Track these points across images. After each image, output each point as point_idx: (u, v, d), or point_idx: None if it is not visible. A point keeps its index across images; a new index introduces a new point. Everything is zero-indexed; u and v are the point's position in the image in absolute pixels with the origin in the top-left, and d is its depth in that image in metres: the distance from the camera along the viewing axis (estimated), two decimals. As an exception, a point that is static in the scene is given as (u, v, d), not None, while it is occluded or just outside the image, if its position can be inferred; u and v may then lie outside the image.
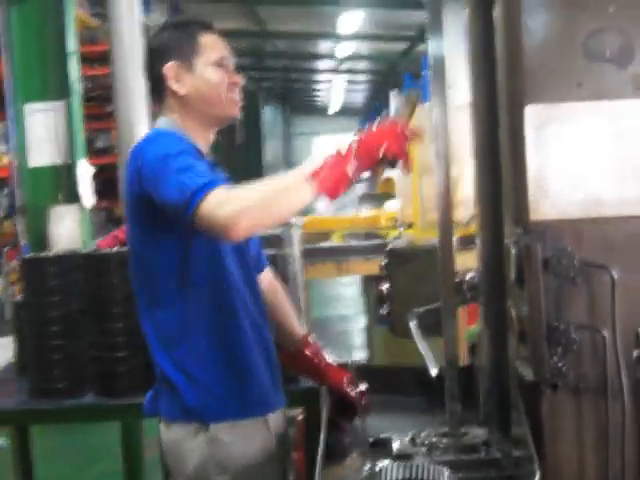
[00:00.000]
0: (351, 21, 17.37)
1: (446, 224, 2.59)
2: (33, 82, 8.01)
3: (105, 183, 15.10)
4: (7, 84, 8.83)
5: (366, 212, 8.51)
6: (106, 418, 4.11)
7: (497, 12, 2.39)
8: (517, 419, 2.33)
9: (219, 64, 2.74)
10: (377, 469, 2.38)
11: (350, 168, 2.37)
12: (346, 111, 42.70)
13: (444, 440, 2.59)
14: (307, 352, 2.95)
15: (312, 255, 7.18)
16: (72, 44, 8.06)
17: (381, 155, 2.38)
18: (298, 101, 41.82)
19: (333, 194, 2.39)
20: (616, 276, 2.22)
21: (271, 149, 35.66)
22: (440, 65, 2.57)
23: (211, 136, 2.80)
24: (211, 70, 2.73)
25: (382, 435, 2.66)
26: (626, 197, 2.26)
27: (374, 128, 2.42)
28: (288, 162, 42.96)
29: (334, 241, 7.56)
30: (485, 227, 2.50)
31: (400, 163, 2.42)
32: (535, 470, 2.06)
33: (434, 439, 2.60)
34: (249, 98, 25.64)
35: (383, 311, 3.22)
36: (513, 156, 2.30)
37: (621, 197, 2.26)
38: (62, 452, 6.70)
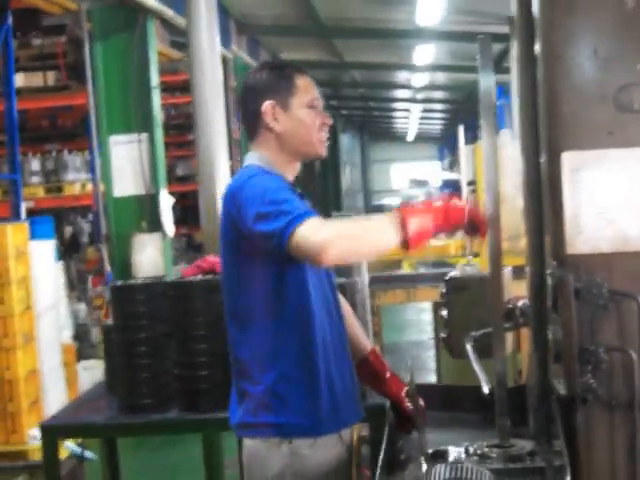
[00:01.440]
0: (426, 52, 17.65)
1: (496, 254, 2.86)
2: (117, 114, 8.41)
3: (185, 210, 15.57)
4: (91, 116, 9.29)
5: (437, 241, 8.79)
6: (189, 430, 4.43)
7: (539, 72, 2.66)
8: (555, 432, 2.60)
9: (312, 105, 3.00)
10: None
11: (435, 227, 2.71)
12: (422, 138, 42.97)
13: (494, 450, 2.86)
14: (371, 360, 3.24)
15: (384, 282, 7.51)
16: (155, 78, 8.45)
17: (465, 223, 2.74)
18: (375, 129, 42.11)
19: (414, 246, 2.70)
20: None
21: (349, 176, 35.99)
22: (489, 100, 2.81)
23: (297, 169, 3.08)
24: (305, 111, 2.99)
25: (440, 447, 2.93)
26: (652, 234, 2.54)
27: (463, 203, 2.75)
28: (366, 189, 43.20)
29: (405, 269, 7.85)
30: (532, 259, 2.76)
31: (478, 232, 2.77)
32: (566, 473, 2.32)
33: (485, 450, 2.87)
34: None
35: (443, 335, 3.50)
36: (552, 196, 2.57)
37: (647, 234, 2.54)
38: (148, 466, 7.02)
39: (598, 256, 2.53)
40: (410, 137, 42.56)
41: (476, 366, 3.04)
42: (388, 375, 3.25)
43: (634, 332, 2.50)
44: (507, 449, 2.86)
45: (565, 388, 2.49)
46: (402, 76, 22.77)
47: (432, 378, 8.55)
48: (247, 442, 2.99)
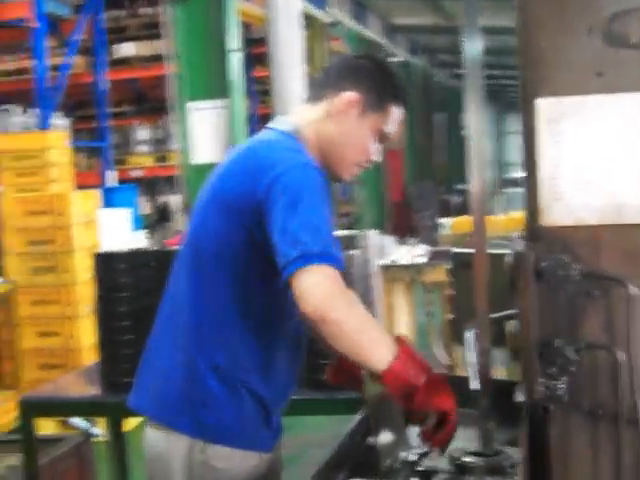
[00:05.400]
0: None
1: (481, 232, 2.39)
2: (197, 80, 8.14)
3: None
4: (172, 82, 9.04)
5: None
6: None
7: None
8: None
9: (381, 136, 2.60)
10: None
11: (406, 385, 2.24)
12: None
13: (475, 459, 2.39)
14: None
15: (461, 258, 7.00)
16: (233, 42, 8.13)
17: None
18: (509, 99, 41.12)
19: (386, 382, 2.24)
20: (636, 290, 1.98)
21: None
22: (475, 67, 2.36)
23: None
24: (372, 135, 2.58)
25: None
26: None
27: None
28: (499, 161, 42.31)
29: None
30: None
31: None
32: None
33: (464, 458, 2.41)
34: (454, 97, 25.37)
35: (449, 317, 3.03)
36: (526, 154, 2.08)
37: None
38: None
39: (581, 230, 2.03)
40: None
41: (467, 355, 2.58)
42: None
43: (622, 326, 1.99)
44: (490, 458, 2.39)
45: (524, 393, 1.99)
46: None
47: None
48: (158, 437, 2.53)
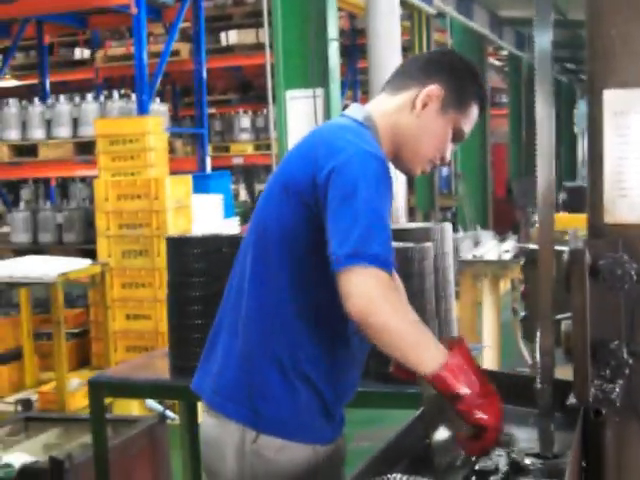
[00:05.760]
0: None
1: (547, 231, 2.31)
2: (295, 69, 8.12)
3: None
4: (269, 70, 9.06)
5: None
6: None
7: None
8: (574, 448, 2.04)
9: (457, 133, 2.55)
10: None
11: (456, 389, 2.20)
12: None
13: (533, 461, 2.32)
14: None
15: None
16: (333, 31, 8.09)
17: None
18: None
19: (441, 382, 2.20)
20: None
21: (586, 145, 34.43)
22: (546, 58, 2.27)
23: None
24: (449, 131, 2.53)
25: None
26: None
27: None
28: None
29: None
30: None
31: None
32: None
33: (525, 459, 2.34)
34: (564, 92, 24.93)
35: (520, 315, 2.94)
36: (591, 147, 2.00)
37: None
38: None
39: (646, 227, 1.95)
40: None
41: (538, 354, 2.50)
42: None
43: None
44: (547, 461, 2.31)
45: (574, 394, 1.92)
46: None
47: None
48: (217, 423, 2.52)
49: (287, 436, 2.43)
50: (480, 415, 2.19)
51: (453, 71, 2.54)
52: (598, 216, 1.97)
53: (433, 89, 2.49)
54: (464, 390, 2.18)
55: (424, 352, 2.21)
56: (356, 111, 2.57)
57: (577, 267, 1.86)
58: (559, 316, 2.57)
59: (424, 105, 2.50)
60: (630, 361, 1.87)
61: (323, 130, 2.52)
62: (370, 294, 2.17)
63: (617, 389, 1.86)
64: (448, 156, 2.58)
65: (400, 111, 2.52)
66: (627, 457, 2.00)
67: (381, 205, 2.27)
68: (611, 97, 1.95)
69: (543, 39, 2.24)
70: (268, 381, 2.43)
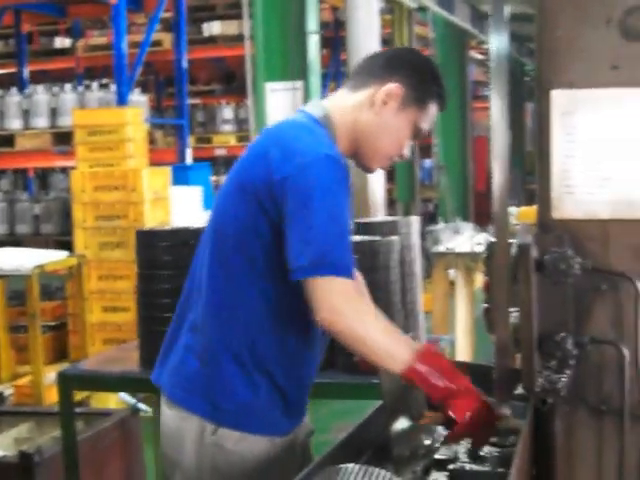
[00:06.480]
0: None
1: (502, 223, 2.37)
2: (274, 61, 8.14)
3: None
4: (249, 62, 9.07)
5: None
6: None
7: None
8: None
9: (416, 130, 2.59)
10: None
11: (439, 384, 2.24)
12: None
13: (490, 449, 2.38)
14: None
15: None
16: (312, 24, 8.11)
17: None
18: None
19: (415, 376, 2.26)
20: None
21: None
22: (501, 60, 2.31)
23: None
24: (408, 129, 2.56)
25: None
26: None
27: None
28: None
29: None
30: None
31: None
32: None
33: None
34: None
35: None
36: (539, 146, 2.05)
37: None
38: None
39: (592, 224, 2.01)
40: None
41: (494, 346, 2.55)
42: None
43: (629, 322, 1.96)
44: (504, 448, 2.36)
45: (522, 384, 1.98)
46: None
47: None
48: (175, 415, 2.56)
49: (245, 429, 2.47)
50: (453, 409, 2.24)
51: (414, 69, 2.57)
52: (546, 212, 2.03)
53: (393, 87, 2.52)
54: (440, 382, 2.23)
55: (394, 350, 2.27)
56: (315, 108, 2.59)
57: (524, 261, 1.92)
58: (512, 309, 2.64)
59: (384, 103, 2.52)
60: (575, 352, 1.93)
61: (278, 130, 2.52)
62: (333, 305, 2.24)
63: (563, 379, 1.92)
64: (407, 153, 2.62)
65: (360, 108, 2.55)
66: (576, 444, 2.06)
67: (338, 211, 2.32)
68: (558, 97, 2.01)
69: (499, 42, 2.29)
70: (228, 375, 2.47)
